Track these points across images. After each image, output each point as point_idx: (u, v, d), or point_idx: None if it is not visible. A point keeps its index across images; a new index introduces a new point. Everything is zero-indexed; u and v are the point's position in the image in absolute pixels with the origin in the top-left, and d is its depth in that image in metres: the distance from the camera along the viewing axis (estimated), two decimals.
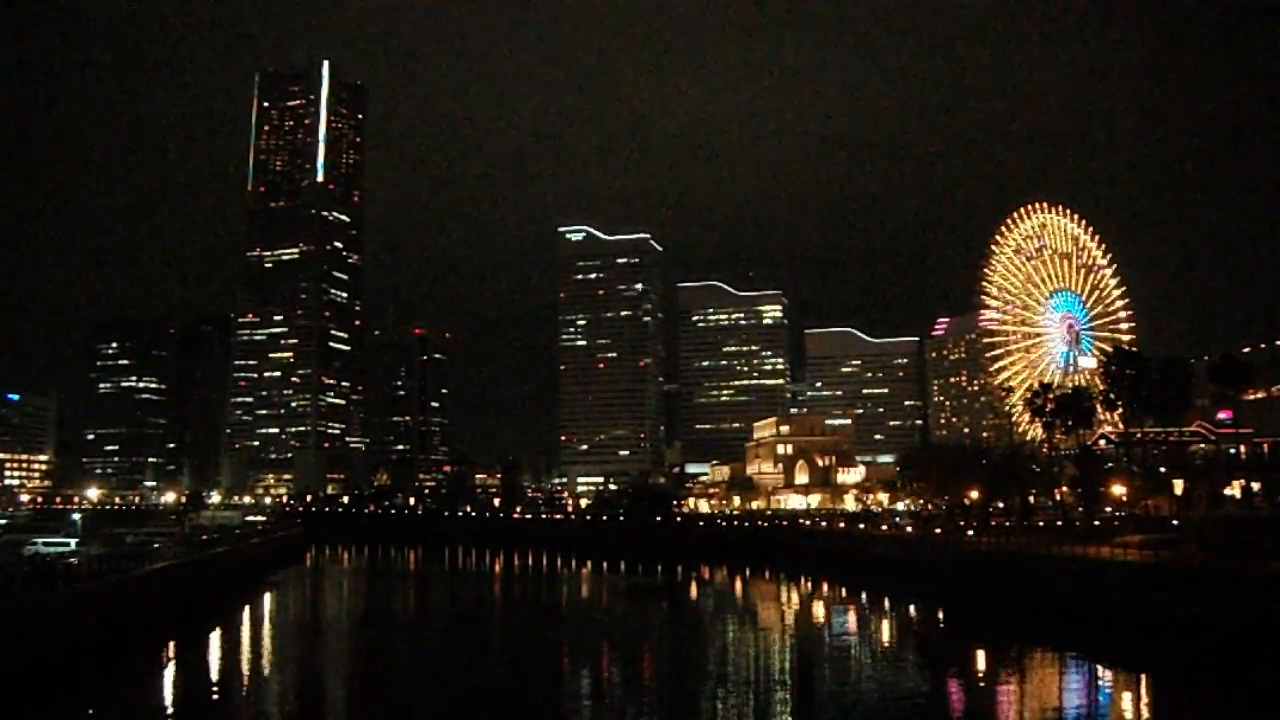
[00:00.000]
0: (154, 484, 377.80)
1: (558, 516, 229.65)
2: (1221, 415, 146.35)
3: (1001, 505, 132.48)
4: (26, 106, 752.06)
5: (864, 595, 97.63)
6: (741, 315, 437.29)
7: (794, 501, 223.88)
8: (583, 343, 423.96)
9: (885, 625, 79.25)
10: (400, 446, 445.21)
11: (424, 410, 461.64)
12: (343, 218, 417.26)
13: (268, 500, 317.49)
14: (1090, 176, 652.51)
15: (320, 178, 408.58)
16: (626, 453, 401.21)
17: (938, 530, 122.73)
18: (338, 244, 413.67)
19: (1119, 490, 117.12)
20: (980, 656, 61.32)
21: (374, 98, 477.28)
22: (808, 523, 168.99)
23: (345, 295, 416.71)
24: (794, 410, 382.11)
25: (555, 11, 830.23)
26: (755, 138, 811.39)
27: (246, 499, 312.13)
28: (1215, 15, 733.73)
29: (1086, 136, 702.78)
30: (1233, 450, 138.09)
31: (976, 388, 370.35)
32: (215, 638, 68.47)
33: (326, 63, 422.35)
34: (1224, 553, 64.56)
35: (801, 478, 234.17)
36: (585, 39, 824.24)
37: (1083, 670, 56.31)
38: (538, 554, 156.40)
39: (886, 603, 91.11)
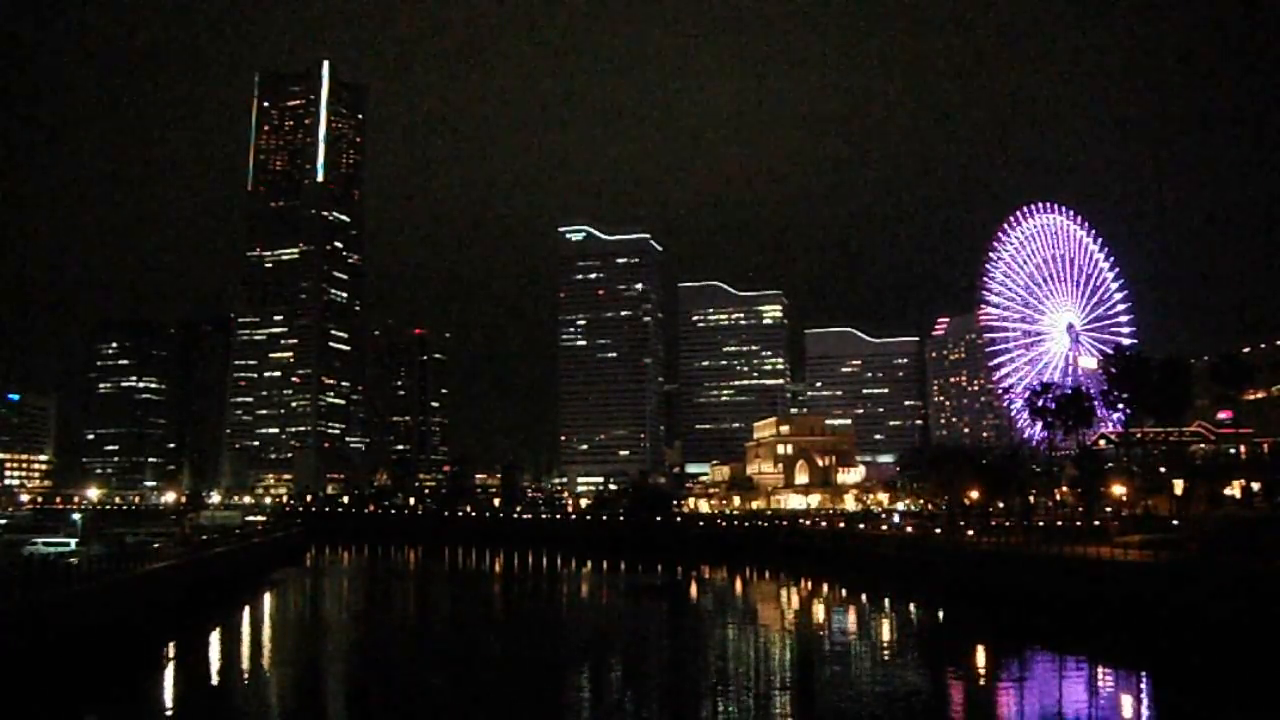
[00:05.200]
0: (154, 484, 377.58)
1: (558, 516, 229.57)
2: (1221, 415, 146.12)
3: (1001, 505, 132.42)
4: (27, 106, 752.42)
5: (864, 595, 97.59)
6: (741, 315, 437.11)
7: (794, 501, 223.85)
8: (583, 343, 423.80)
9: (885, 625, 79.19)
10: (400, 446, 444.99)
11: (424, 410, 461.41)
12: (343, 218, 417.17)
13: (268, 500, 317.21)
14: (1090, 176, 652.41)
15: (320, 178, 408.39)
16: (626, 453, 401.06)
17: (938, 530, 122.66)
18: (338, 244, 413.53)
19: (1119, 490, 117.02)
20: (980, 656, 61.32)
21: (374, 98, 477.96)
22: (808, 523, 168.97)
23: (345, 295, 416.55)
24: (794, 410, 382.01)
25: (555, 13, 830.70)
26: (756, 137, 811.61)
27: (246, 499, 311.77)
28: (1216, 15, 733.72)
29: (1086, 136, 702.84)
30: (1233, 450, 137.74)
31: (976, 388, 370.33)
32: (215, 638, 68.45)
33: (326, 63, 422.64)
34: (1224, 553, 64.51)
35: (801, 478, 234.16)
36: (585, 39, 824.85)
37: (1083, 670, 56.28)
38: (538, 554, 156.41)
39: (886, 603, 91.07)
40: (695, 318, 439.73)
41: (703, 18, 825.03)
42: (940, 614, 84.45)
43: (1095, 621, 66.32)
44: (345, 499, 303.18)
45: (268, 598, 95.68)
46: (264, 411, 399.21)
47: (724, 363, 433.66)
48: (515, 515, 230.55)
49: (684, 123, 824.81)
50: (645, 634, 75.72)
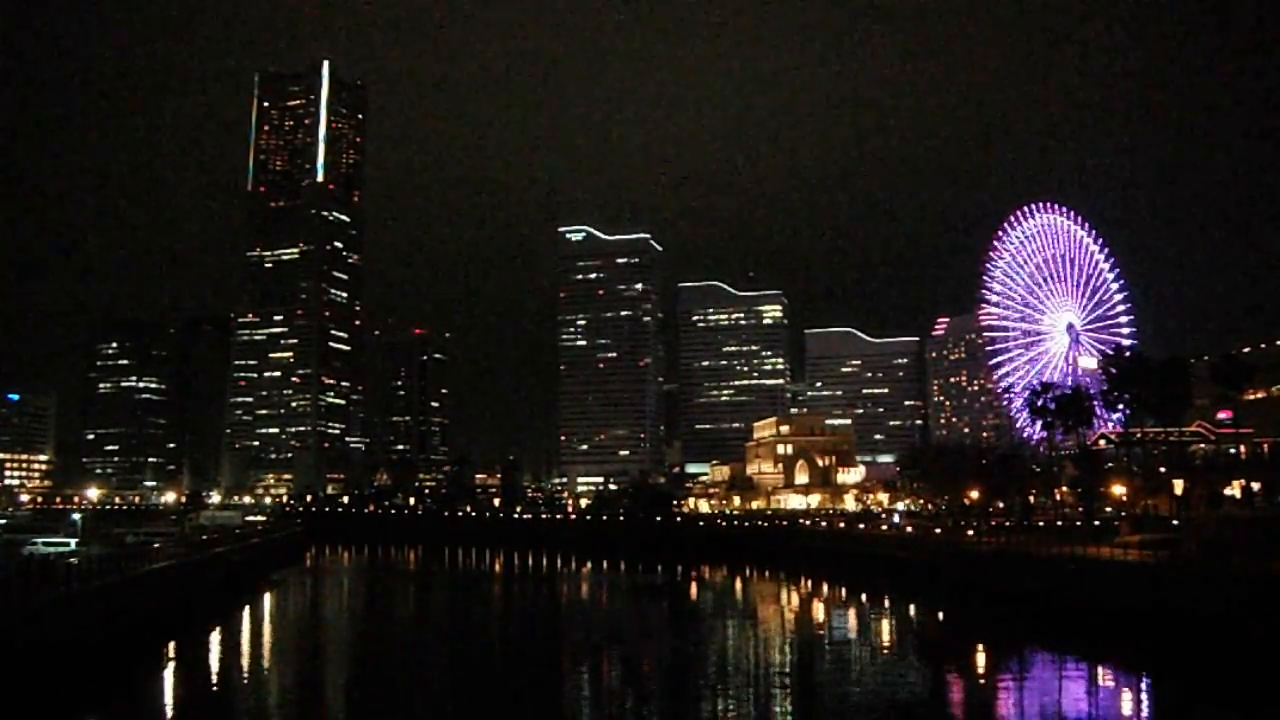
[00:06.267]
0: (154, 484, 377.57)
1: (558, 516, 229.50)
2: (1221, 415, 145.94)
3: (1001, 505, 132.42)
4: (27, 106, 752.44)
5: (864, 595, 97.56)
6: (741, 315, 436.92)
7: (794, 501, 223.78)
8: (583, 343, 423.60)
9: (885, 625, 79.20)
10: (400, 446, 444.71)
11: (424, 410, 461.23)
12: (343, 218, 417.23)
13: (268, 500, 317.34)
14: (1090, 176, 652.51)
15: (320, 178, 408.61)
16: (626, 453, 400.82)
17: (938, 530, 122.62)
18: (338, 244, 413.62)
19: (1119, 490, 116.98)
20: (980, 656, 61.30)
21: (374, 98, 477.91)
22: (808, 523, 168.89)
23: (345, 295, 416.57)
24: (794, 410, 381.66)
25: (556, 12, 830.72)
26: (756, 137, 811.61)
27: (246, 499, 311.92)
28: (1215, 15, 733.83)
29: (1086, 136, 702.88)
30: (1233, 450, 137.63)
31: (976, 388, 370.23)
32: (215, 638, 68.43)
33: (326, 63, 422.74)
34: (1224, 553, 64.40)
35: (801, 478, 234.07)
36: (586, 39, 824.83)
37: (1083, 670, 56.26)
38: (538, 554, 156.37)
39: (886, 603, 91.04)
40: (695, 318, 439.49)
41: (704, 18, 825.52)
42: (940, 614, 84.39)
43: (1095, 621, 66.28)
44: (345, 499, 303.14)
45: (268, 598, 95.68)
46: (264, 411, 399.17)
47: (724, 363, 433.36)
48: (515, 515, 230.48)
49: (684, 122, 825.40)
50: (645, 634, 75.68)
